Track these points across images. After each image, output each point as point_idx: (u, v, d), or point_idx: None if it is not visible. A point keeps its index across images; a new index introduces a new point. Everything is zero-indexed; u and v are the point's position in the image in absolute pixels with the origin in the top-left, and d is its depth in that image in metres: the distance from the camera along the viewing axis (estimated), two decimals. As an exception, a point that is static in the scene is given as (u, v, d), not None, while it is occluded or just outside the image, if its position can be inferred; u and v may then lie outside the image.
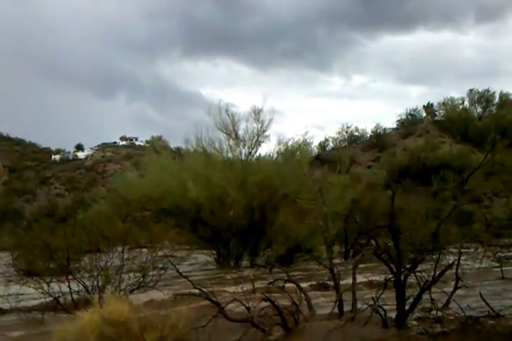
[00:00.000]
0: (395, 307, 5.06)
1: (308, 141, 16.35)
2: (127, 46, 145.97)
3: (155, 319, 4.91)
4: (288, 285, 6.28)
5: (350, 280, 5.92)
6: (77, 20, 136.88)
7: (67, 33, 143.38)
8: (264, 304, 5.23)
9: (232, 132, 15.48)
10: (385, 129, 48.18)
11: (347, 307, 5.57)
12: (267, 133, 15.44)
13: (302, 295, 5.87)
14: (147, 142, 68.63)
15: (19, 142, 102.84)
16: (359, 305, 5.40)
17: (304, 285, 7.43)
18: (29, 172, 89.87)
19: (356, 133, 49.71)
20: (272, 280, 6.73)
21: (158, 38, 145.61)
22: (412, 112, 48.94)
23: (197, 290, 5.41)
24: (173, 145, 26.42)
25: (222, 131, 15.56)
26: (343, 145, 47.53)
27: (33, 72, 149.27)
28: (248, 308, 5.08)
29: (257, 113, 15.23)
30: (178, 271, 6.34)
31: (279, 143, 16.13)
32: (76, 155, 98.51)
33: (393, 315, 5.06)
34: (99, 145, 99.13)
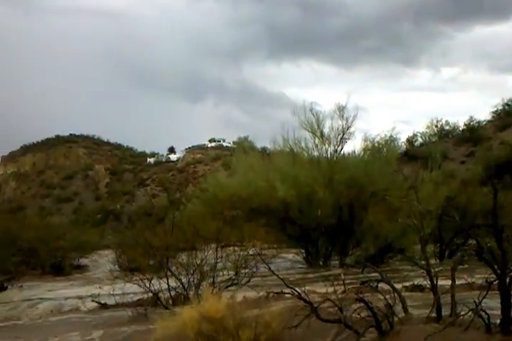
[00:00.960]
0: (498, 312, 4.77)
1: (395, 136, 15.84)
2: (214, 54, 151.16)
3: (249, 317, 4.96)
4: (381, 286, 6.13)
5: (445, 282, 5.67)
6: (168, 35, 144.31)
7: (160, 47, 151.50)
8: (356, 305, 5.14)
9: (317, 130, 15.40)
10: (479, 122, 45.31)
11: (445, 311, 5.33)
12: (351, 130, 15.17)
13: (396, 296, 5.70)
14: (234, 143, 70.24)
15: (118, 147, 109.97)
16: (459, 309, 5.15)
17: (397, 286, 7.22)
18: (128, 174, 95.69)
19: (447, 127, 47.30)
20: (364, 280, 6.62)
21: (243, 44, 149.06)
22: (509, 102, 45.47)
23: (288, 289, 5.41)
24: (259, 145, 26.80)
25: (308, 130, 15.52)
26: (433, 140, 45.33)
27: (132, 83, 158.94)
28: (341, 309, 4.99)
29: (341, 110, 15.03)
30: (270, 269, 6.41)
31: (365, 139, 15.78)
32: (169, 158, 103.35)
33: (497, 320, 4.77)
34: (189, 148, 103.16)
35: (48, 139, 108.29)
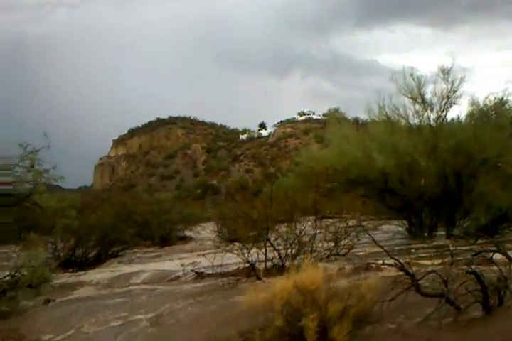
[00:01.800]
0: None
1: (507, 98, 14.42)
2: (300, 26, 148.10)
3: (343, 289, 4.81)
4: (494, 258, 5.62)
5: None
6: (254, 11, 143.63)
7: (247, 24, 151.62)
8: (462, 278, 4.71)
9: (418, 96, 14.48)
10: None
11: None
12: (457, 94, 14.04)
13: (512, 269, 5.19)
14: (325, 115, 69.02)
15: (212, 125, 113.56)
16: None
17: (513, 258, 6.62)
18: (222, 151, 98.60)
19: None
20: (476, 252, 6.16)
21: (329, 14, 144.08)
22: None
23: (391, 261, 5.16)
24: (350, 116, 26.01)
25: (407, 96, 14.64)
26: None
27: (222, 62, 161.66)
28: (445, 282, 4.63)
29: (445, 73, 13.93)
30: (374, 240, 6.22)
31: (472, 103, 14.57)
32: (260, 134, 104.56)
33: None
34: (279, 123, 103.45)
35: (150, 122, 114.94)
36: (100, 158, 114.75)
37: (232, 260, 9.11)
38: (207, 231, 22.37)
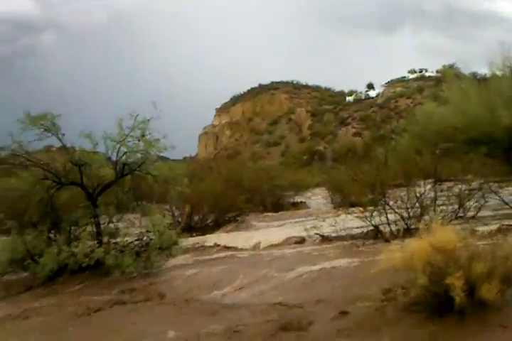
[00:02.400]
0: None
1: None
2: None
3: (484, 249, 4.62)
4: None
5: None
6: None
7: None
8: None
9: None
10: None
11: None
12: None
13: None
14: (438, 72, 64.28)
15: (317, 89, 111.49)
16: None
17: None
18: (328, 115, 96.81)
19: None
20: None
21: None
22: None
23: None
24: (467, 71, 23.68)
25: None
26: None
27: (323, 23, 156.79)
28: None
29: None
30: (503, 200, 5.60)
31: None
32: (367, 95, 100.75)
33: None
34: (388, 82, 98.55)
35: (252, 88, 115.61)
36: (204, 128, 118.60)
37: (353, 224, 9.15)
38: (318, 196, 22.50)
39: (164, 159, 12.65)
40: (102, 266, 7.75)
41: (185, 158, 62.70)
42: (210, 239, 10.90)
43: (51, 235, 8.49)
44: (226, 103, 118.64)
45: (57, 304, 6.38)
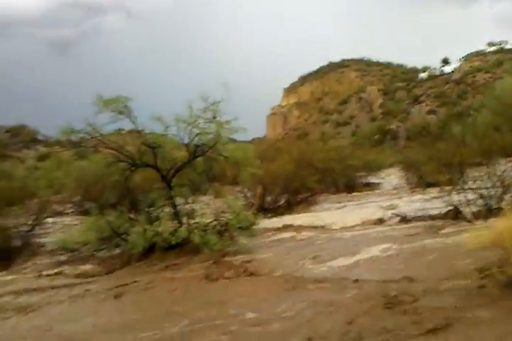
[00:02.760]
0: None
1: None
2: None
3: None
4: None
5: None
6: None
7: None
8: None
9: None
10: None
11: None
12: None
13: None
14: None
15: (388, 65, 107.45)
16: None
17: None
18: (400, 92, 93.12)
19: None
20: None
21: None
22: None
23: None
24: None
25: None
26: None
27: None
28: None
29: None
30: None
31: None
32: (442, 70, 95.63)
33: None
34: (465, 56, 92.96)
35: (321, 67, 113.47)
36: (272, 108, 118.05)
37: (430, 204, 8.97)
38: (392, 177, 22.00)
39: (233, 141, 12.74)
40: (189, 244, 8.02)
41: (253, 140, 62.87)
42: (286, 219, 10.94)
43: (131, 216, 8.80)
44: (294, 83, 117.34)
45: (153, 279, 6.66)
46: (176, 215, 8.76)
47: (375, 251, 6.66)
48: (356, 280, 5.20)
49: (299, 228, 9.78)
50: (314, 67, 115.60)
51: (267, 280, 5.93)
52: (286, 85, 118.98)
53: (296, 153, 18.07)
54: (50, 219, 11.20)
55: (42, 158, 38.87)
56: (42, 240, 10.44)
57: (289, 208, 13.82)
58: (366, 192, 17.98)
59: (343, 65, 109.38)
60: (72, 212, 15.05)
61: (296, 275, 5.91)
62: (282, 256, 7.28)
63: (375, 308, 4.20)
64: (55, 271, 8.15)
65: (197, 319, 4.58)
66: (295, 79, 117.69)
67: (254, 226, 8.45)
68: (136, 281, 6.70)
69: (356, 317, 4.03)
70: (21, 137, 46.01)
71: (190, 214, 9.01)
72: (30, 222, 10.52)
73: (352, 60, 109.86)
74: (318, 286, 5.26)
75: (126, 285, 6.58)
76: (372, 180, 21.85)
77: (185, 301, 5.42)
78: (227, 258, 7.46)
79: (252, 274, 6.32)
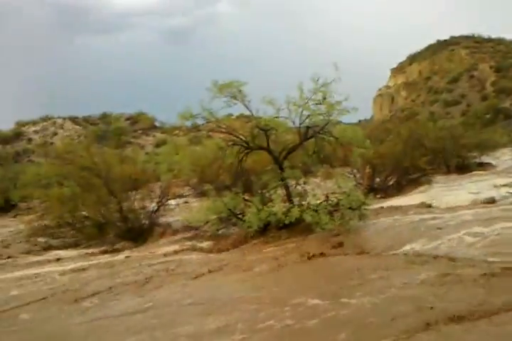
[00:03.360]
0: None
1: None
2: None
3: None
4: None
5: None
6: None
7: None
8: None
9: None
10: None
11: None
12: None
13: None
14: None
15: (501, 41, 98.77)
16: None
17: None
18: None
19: None
20: None
21: None
22: None
23: None
24: None
25: None
26: None
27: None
28: None
29: None
30: None
31: None
32: None
33: None
34: None
35: (430, 45, 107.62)
36: (378, 89, 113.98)
37: None
38: (505, 157, 20.65)
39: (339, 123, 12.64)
40: (301, 224, 8.27)
41: (360, 122, 61.31)
42: (395, 199, 10.74)
43: (246, 197, 9.18)
44: (402, 63, 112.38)
45: (274, 255, 6.97)
46: (288, 196, 8.97)
47: (490, 229, 6.50)
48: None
49: (410, 208, 9.60)
50: (422, 45, 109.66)
51: (375, 257, 6.00)
52: (394, 65, 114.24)
53: (406, 133, 17.47)
54: (171, 201, 12.02)
55: (159, 144, 41.42)
56: (166, 220, 11.26)
57: (398, 189, 13.55)
58: (479, 172, 17.10)
59: (453, 42, 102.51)
60: (189, 194, 16.01)
61: (404, 253, 5.96)
62: (394, 235, 7.20)
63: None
64: (185, 246, 8.84)
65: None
66: (403, 58, 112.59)
67: (364, 207, 8.45)
68: (250, 260, 7.00)
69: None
70: (140, 124, 49.09)
71: (302, 195, 9.18)
72: (154, 204, 11.39)
73: (461, 36, 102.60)
74: (429, 262, 5.33)
75: (258, 259, 6.93)
76: (486, 160, 20.66)
77: (326, 275, 5.63)
78: (338, 237, 7.57)
79: (366, 252, 6.38)
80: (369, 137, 12.19)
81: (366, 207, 8.46)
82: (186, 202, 12.97)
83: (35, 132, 46.57)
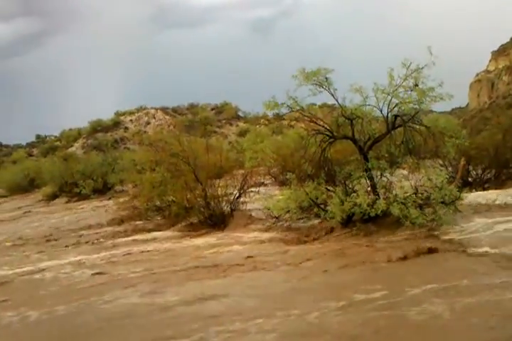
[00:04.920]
0: None
1: None
2: None
3: None
4: None
5: None
6: None
7: None
8: None
9: None
10: None
11: None
12: None
13: None
14: None
15: None
16: None
17: None
18: None
19: None
20: None
21: None
22: None
23: None
24: None
25: None
26: None
27: None
28: None
29: None
30: None
31: None
32: None
33: None
34: None
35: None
36: (476, 75, 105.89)
37: None
38: None
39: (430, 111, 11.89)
40: (388, 217, 7.98)
41: (453, 110, 57.69)
42: (493, 193, 9.93)
43: (328, 187, 8.97)
44: (504, 44, 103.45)
45: (360, 245, 7.01)
46: (373, 188, 8.62)
47: None
48: None
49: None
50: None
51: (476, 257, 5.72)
52: (495, 48, 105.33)
53: (508, 122, 15.99)
54: (252, 189, 12.12)
55: (242, 133, 42.19)
56: (246, 207, 11.39)
57: (498, 183, 12.53)
58: None
59: None
60: (270, 183, 16.07)
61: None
62: (497, 234, 6.81)
63: None
64: (264, 235, 8.86)
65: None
66: (506, 40, 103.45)
67: (458, 201, 7.94)
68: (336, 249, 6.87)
69: None
70: (225, 114, 50.49)
71: (388, 187, 8.79)
72: (235, 191, 11.56)
73: None
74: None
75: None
76: None
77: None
78: (431, 232, 7.29)
79: (461, 250, 6.15)
80: (464, 126, 11.38)
81: (461, 201, 7.98)
82: (267, 191, 13.05)
83: (131, 121, 49.45)
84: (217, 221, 10.74)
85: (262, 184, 14.61)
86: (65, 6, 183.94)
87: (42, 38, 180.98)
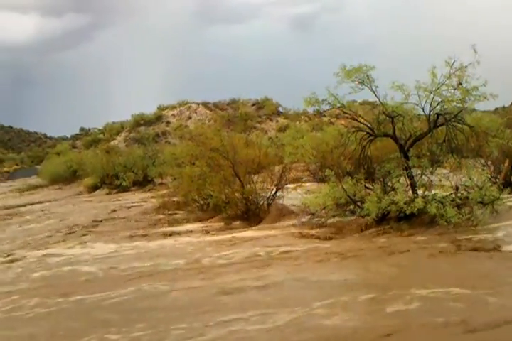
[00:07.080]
0: None
1: None
2: None
3: None
4: None
5: None
6: None
7: None
8: None
9: None
10: None
11: None
12: None
13: None
14: None
15: None
16: None
17: None
18: None
19: None
20: None
21: None
22: None
23: None
24: None
25: None
26: None
27: None
28: None
29: None
30: None
31: None
32: None
33: None
34: None
35: None
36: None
37: None
38: None
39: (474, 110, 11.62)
40: (423, 216, 7.94)
41: (497, 110, 55.59)
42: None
43: (367, 184, 8.96)
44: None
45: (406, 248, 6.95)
46: (412, 186, 8.57)
47: None
48: None
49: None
50: None
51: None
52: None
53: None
54: (290, 185, 12.20)
55: (282, 129, 42.18)
56: (283, 202, 11.47)
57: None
58: None
59: None
60: (308, 179, 16.08)
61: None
62: None
63: None
64: (299, 231, 8.95)
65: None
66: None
67: (499, 202, 7.83)
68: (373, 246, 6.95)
69: None
70: (265, 110, 50.60)
71: (428, 186, 8.70)
72: (273, 187, 11.66)
73: None
74: None
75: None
76: None
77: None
78: (466, 232, 7.25)
79: (492, 250, 6.18)
80: (509, 126, 11.11)
81: (501, 202, 7.83)
82: (304, 187, 13.09)
83: (173, 116, 50.26)
84: (252, 216, 10.88)
85: (301, 180, 14.64)
86: (114, 2, 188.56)
87: (91, 32, 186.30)
